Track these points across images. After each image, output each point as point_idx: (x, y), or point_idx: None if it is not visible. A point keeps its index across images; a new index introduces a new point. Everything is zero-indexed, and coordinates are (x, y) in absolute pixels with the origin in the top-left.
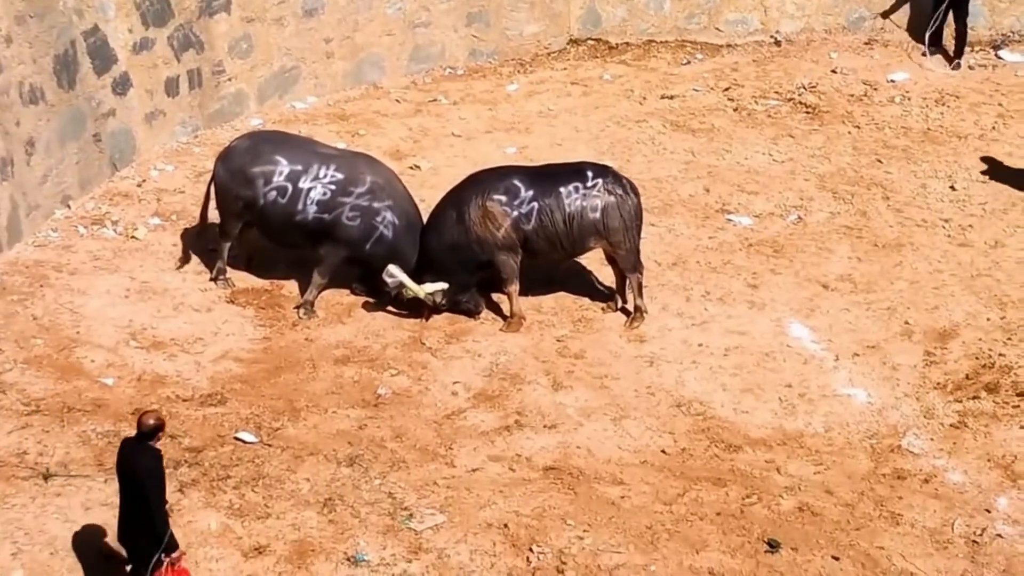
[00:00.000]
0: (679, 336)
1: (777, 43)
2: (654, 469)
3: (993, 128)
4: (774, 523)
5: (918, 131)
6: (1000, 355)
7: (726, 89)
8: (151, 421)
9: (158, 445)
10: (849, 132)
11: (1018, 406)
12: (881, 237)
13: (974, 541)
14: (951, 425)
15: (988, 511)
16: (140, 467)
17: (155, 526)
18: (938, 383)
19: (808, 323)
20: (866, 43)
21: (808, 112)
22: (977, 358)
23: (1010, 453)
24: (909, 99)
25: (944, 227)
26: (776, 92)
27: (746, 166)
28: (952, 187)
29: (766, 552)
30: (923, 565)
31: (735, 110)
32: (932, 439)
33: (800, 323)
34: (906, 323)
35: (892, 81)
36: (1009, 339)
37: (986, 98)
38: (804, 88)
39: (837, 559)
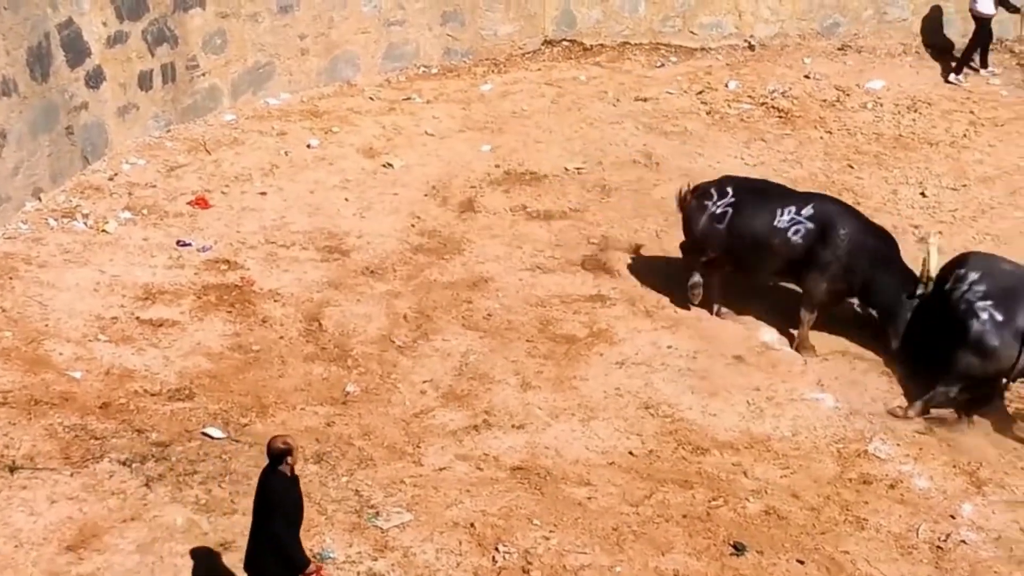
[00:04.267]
0: (648, 338)
1: (751, 47)
2: (621, 470)
3: (964, 135)
4: (740, 526)
5: (890, 137)
6: None
7: (700, 92)
8: (279, 444)
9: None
10: (821, 137)
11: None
12: None
13: (938, 547)
14: (917, 431)
15: (953, 517)
16: (268, 491)
17: (283, 552)
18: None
19: (777, 327)
20: (839, 49)
21: (781, 117)
22: None
23: (975, 460)
24: (881, 105)
25: (914, 233)
26: (749, 96)
27: (719, 169)
28: (923, 193)
29: (732, 555)
30: (887, 570)
31: (708, 113)
32: (898, 445)
33: (769, 327)
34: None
35: (864, 87)
36: None
37: (958, 106)
38: (777, 92)
39: (802, 563)
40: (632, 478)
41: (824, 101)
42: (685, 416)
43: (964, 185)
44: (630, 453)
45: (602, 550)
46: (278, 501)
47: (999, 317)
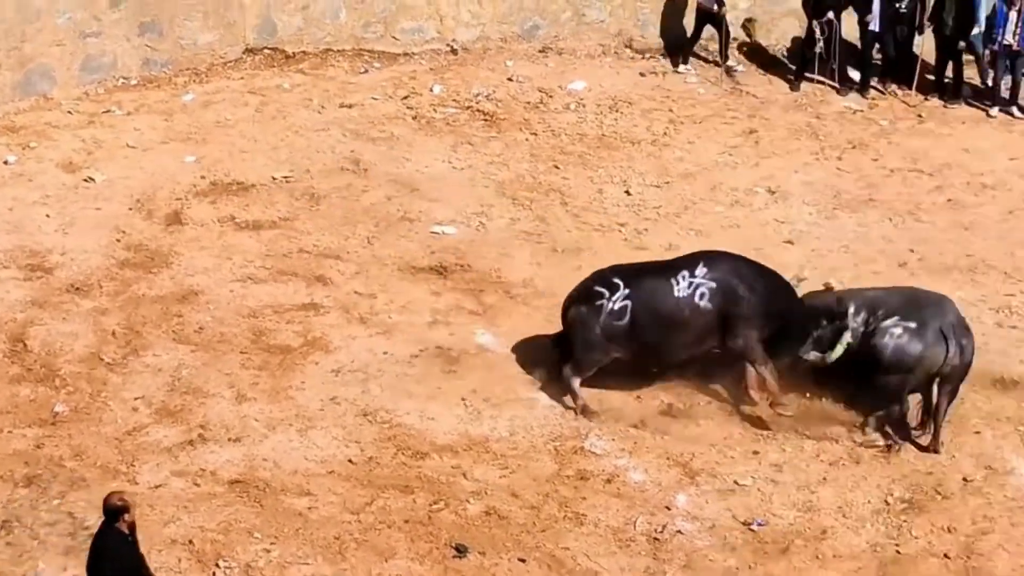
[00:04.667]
0: (364, 345)
1: (454, 51)
2: (341, 479)
3: (665, 134)
4: (461, 528)
5: (593, 137)
6: None
7: (405, 97)
8: (115, 501)
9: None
10: (527, 139)
11: (692, 407)
12: (560, 242)
13: (655, 538)
14: (631, 425)
15: (668, 508)
16: (104, 550)
17: None
18: (618, 384)
19: (492, 329)
20: (541, 51)
21: (486, 120)
22: None
23: (687, 451)
24: (584, 106)
25: (621, 231)
26: (454, 100)
27: (426, 174)
28: (627, 192)
29: (454, 557)
30: (607, 564)
31: (414, 118)
32: (614, 439)
33: (485, 329)
34: None
35: (566, 89)
36: None
37: (658, 104)
38: (482, 96)
39: (524, 561)
40: (352, 486)
41: (528, 103)
42: (403, 421)
43: (667, 182)
44: (349, 461)
45: (324, 560)
46: (114, 559)
47: (913, 326)
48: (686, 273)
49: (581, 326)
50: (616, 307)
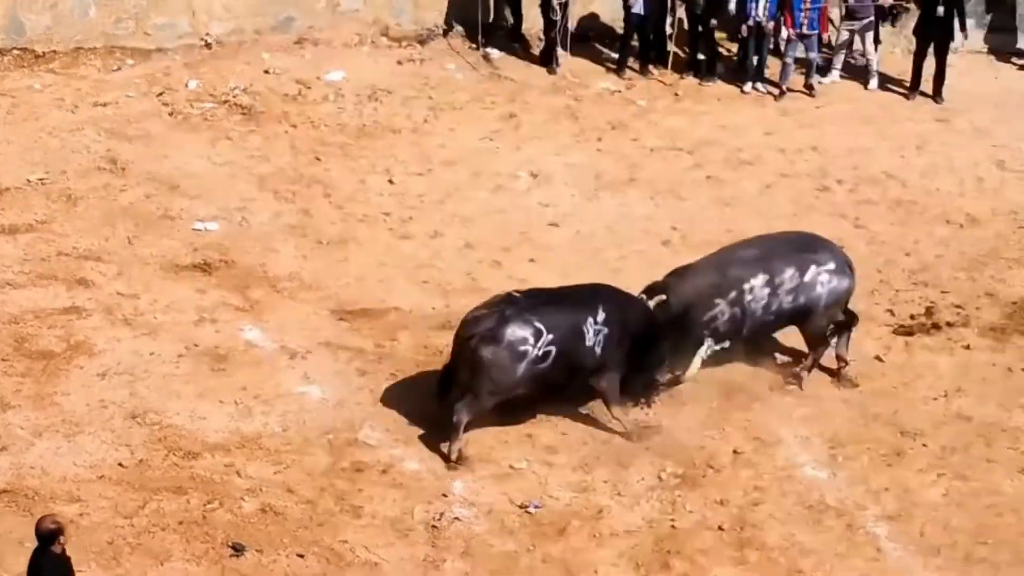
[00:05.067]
0: (129, 347)
1: (208, 46)
2: (112, 483)
3: (425, 121)
4: (238, 526)
5: (354, 127)
6: (446, 345)
7: (160, 94)
8: (48, 525)
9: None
10: (286, 131)
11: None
12: (325, 234)
13: (434, 526)
14: (405, 414)
15: (445, 496)
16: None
17: None
18: (391, 373)
19: (260, 324)
20: (296, 43)
21: (244, 113)
22: (425, 347)
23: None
24: (343, 96)
25: (385, 220)
26: (211, 95)
27: (186, 171)
28: (390, 181)
29: (231, 556)
30: (386, 555)
31: (171, 115)
32: (388, 430)
33: (252, 325)
34: (345, 316)
35: (324, 79)
36: (451, 326)
37: (417, 92)
38: (239, 90)
39: (302, 556)
40: (124, 490)
41: (286, 95)
42: (173, 422)
43: (429, 170)
44: (120, 465)
45: (99, 566)
46: None
47: (832, 266)
48: (591, 320)
49: (497, 369)
50: (540, 353)
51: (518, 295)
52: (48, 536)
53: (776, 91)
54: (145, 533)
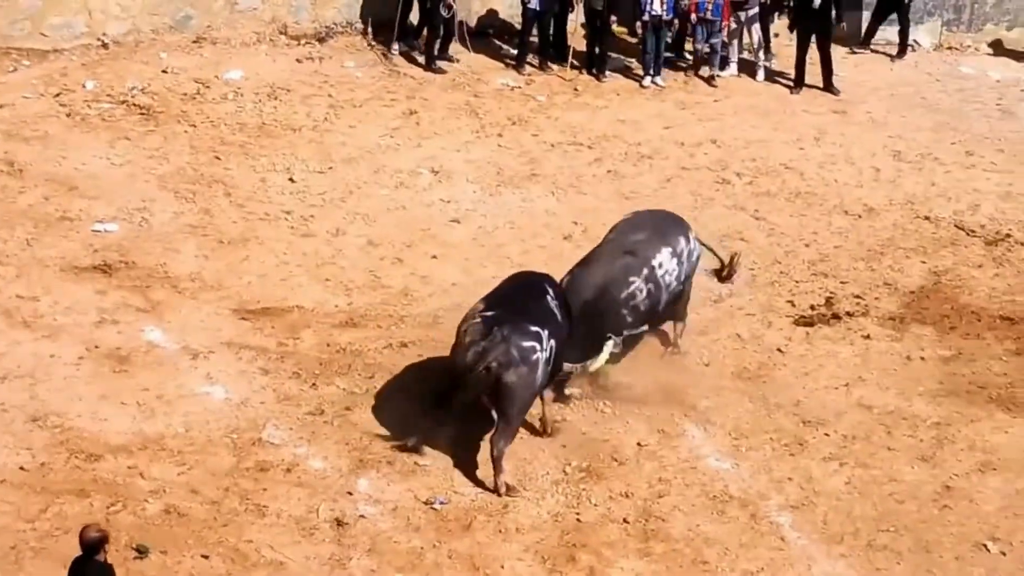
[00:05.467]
0: (29, 349)
1: (105, 46)
2: (13, 487)
3: (325, 119)
4: (141, 528)
5: (253, 126)
6: (348, 343)
7: (57, 95)
8: (93, 534)
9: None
10: (186, 131)
11: (369, 391)
12: (226, 233)
13: (339, 524)
14: (308, 413)
15: (350, 493)
16: None
17: None
18: (294, 372)
19: (161, 325)
20: (194, 42)
21: (143, 113)
22: (328, 344)
23: (366, 436)
24: (242, 95)
25: (287, 219)
26: (108, 95)
27: (84, 172)
28: (291, 179)
29: (135, 558)
30: (291, 553)
31: (68, 116)
32: (291, 429)
33: (154, 326)
34: (247, 315)
35: (223, 78)
36: (354, 324)
37: (316, 90)
38: (137, 89)
39: (207, 557)
40: (26, 493)
41: (185, 95)
42: (75, 424)
43: (330, 167)
44: (21, 468)
45: (1, 571)
46: None
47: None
48: (555, 304)
49: (523, 388)
50: (548, 353)
51: (490, 313)
52: (93, 545)
53: (702, 75)
54: (48, 537)
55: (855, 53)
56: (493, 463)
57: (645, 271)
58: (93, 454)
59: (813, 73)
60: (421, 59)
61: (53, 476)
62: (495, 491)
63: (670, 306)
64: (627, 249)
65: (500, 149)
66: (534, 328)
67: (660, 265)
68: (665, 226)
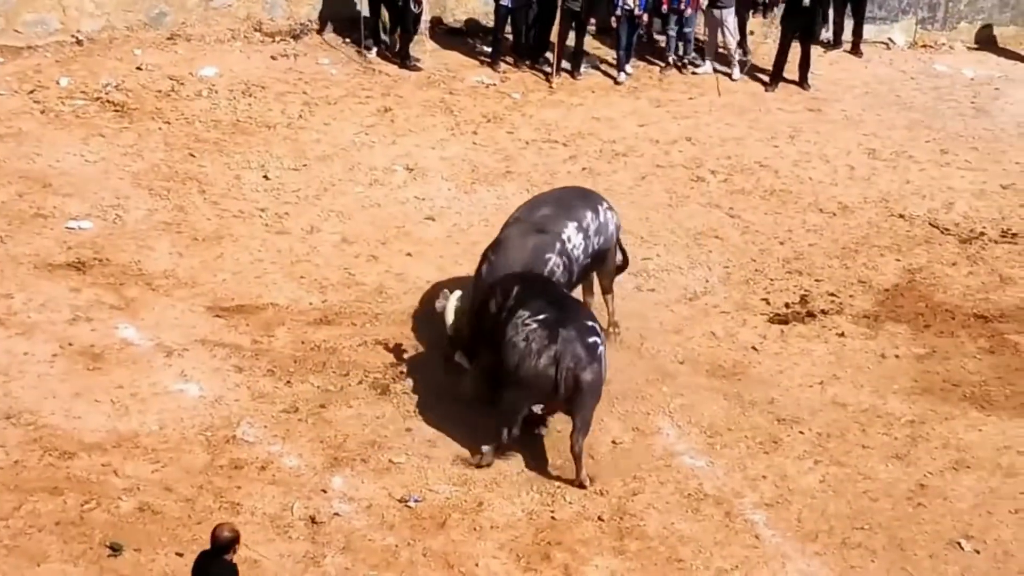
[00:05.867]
0: (2, 347)
1: (79, 42)
2: None
3: (300, 116)
4: (115, 526)
5: (228, 123)
6: (323, 340)
7: (31, 91)
8: (226, 533)
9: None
10: (160, 128)
11: (343, 388)
12: (200, 231)
13: (313, 522)
14: (283, 410)
15: (324, 491)
16: None
17: None
18: (268, 370)
19: (135, 322)
20: (169, 39)
21: (117, 110)
22: (303, 342)
23: (341, 433)
24: (216, 92)
25: (261, 216)
26: (83, 92)
27: (58, 168)
28: (266, 176)
29: (109, 556)
30: (266, 551)
31: (42, 112)
32: (266, 426)
33: (128, 323)
34: (221, 313)
35: (198, 75)
36: (328, 321)
37: (291, 87)
38: (111, 86)
39: (181, 555)
40: None
41: (159, 92)
42: (49, 422)
43: (305, 165)
44: None
45: None
46: None
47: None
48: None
49: (599, 381)
50: (604, 339)
51: (543, 316)
52: (225, 545)
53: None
54: (21, 535)
55: (828, 52)
56: (575, 459)
57: (558, 245)
58: (67, 452)
59: (787, 71)
60: (396, 57)
61: (27, 474)
62: (579, 485)
63: (585, 275)
64: (538, 225)
65: (475, 147)
66: (591, 323)
67: (569, 239)
68: (570, 201)
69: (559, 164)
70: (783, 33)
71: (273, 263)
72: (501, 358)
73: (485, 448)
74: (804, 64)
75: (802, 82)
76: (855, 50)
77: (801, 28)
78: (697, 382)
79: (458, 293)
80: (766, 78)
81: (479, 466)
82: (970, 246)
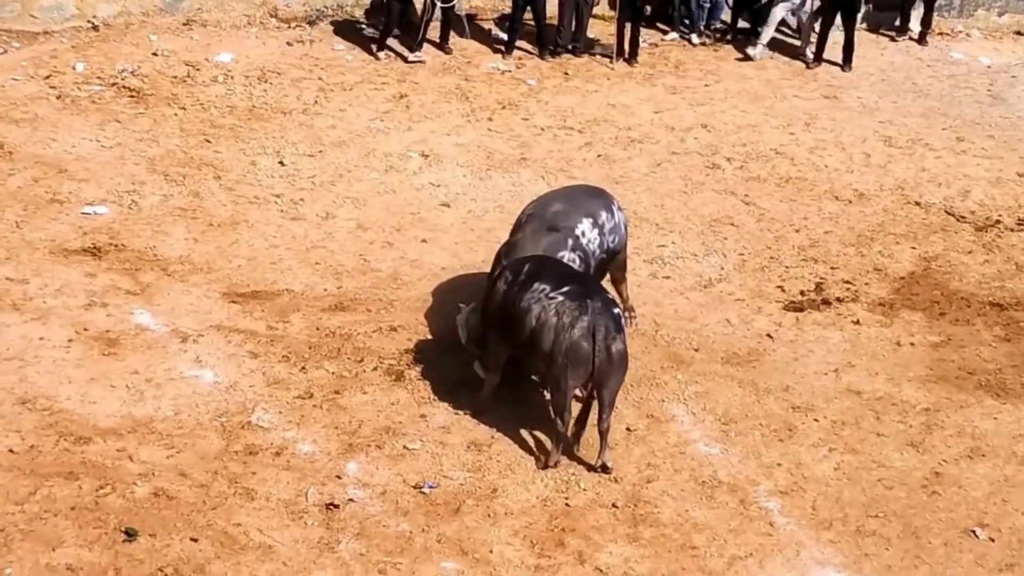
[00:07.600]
0: (18, 332)
1: (95, 28)
2: (2, 470)
3: (315, 102)
4: (130, 511)
5: (243, 109)
6: (338, 326)
7: (47, 77)
8: None
9: None
10: (175, 114)
11: (358, 375)
12: (216, 217)
13: (328, 508)
14: (297, 396)
15: (339, 477)
16: None
17: None
18: (283, 356)
19: (151, 308)
20: (184, 24)
21: (133, 96)
22: (318, 328)
23: (355, 419)
24: (232, 78)
25: (276, 202)
26: (99, 77)
27: (74, 154)
28: (281, 162)
29: (124, 541)
30: (280, 537)
31: (58, 98)
32: (280, 412)
33: (144, 308)
34: (237, 299)
35: (213, 61)
36: (343, 307)
37: (306, 73)
38: (127, 72)
39: (196, 540)
40: (14, 476)
41: (175, 77)
42: (64, 407)
43: (320, 151)
44: (10, 451)
45: None
46: None
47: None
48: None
49: (626, 357)
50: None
51: (566, 288)
52: None
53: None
54: (37, 519)
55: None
56: (601, 437)
57: (571, 242)
58: (82, 437)
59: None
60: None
61: (42, 459)
62: (602, 466)
63: (600, 274)
64: (552, 222)
65: (490, 133)
66: (610, 295)
67: (583, 234)
68: (584, 198)
69: (574, 151)
70: (824, 12)
71: (288, 249)
72: (529, 346)
73: (550, 446)
74: (848, 44)
75: (845, 63)
76: (921, 40)
77: (843, 6)
78: (712, 369)
79: (473, 305)
80: (799, 59)
81: (548, 467)
82: (986, 234)
